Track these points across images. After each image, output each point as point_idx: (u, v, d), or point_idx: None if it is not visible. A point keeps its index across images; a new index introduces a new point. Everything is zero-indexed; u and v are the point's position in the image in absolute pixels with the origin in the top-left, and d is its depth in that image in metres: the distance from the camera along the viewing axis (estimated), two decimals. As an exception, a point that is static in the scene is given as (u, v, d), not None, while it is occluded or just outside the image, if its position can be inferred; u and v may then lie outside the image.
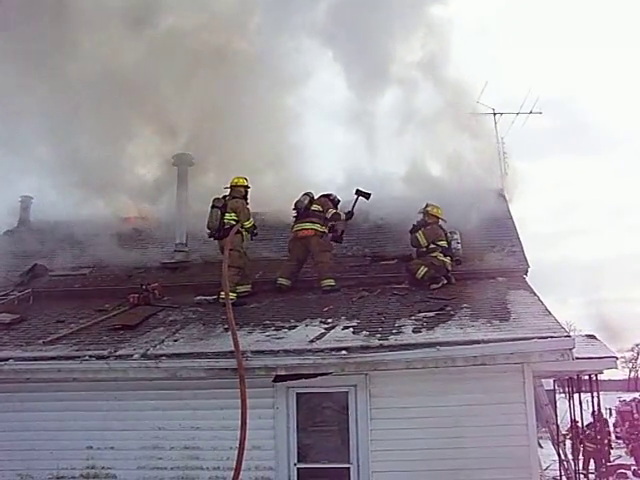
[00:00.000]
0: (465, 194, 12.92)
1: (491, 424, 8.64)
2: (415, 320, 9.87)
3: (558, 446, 15.17)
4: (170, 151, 14.56)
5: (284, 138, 15.19)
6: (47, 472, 9.60)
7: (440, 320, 9.74)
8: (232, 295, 10.80)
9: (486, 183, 13.97)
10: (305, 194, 12.53)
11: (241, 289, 11.68)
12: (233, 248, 11.40)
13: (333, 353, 8.87)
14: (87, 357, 9.51)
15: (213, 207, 12.07)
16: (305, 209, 12.33)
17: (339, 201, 12.63)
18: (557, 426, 14.94)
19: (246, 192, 12.29)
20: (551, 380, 19.99)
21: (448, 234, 11.96)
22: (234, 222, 11.82)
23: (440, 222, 11.97)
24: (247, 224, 11.94)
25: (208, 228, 12.09)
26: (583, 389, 15.46)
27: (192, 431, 9.32)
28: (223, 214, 11.92)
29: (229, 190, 12.18)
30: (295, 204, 12.47)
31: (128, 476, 9.38)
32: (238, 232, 11.78)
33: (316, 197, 12.50)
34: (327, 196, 12.57)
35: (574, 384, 16.24)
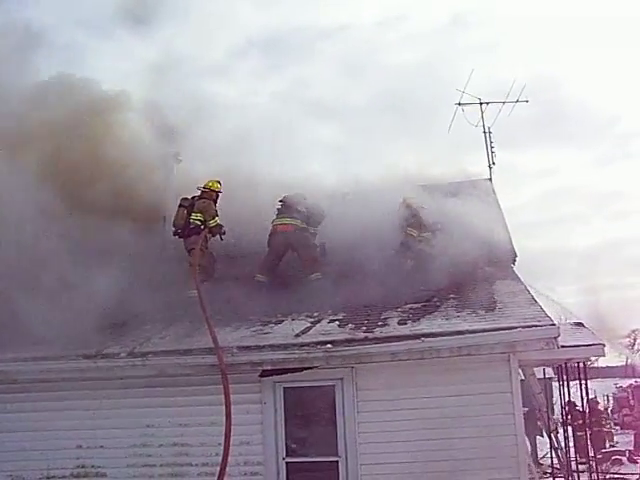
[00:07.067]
0: (452, 185, 12.90)
1: (478, 414, 8.65)
2: (401, 312, 9.89)
3: (550, 435, 15.18)
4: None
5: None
6: (38, 472, 9.63)
7: (426, 311, 9.77)
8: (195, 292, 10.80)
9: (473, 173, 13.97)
10: (297, 194, 12.61)
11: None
12: (197, 247, 11.55)
13: (318, 347, 8.92)
14: (74, 356, 9.53)
15: (180, 206, 12.24)
16: (289, 205, 12.36)
17: (324, 217, 12.66)
18: (548, 414, 14.95)
19: (217, 196, 12.43)
20: (550, 368, 20.00)
21: (431, 224, 11.95)
22: (199, 222, 11.94)
23: (422, 210, 12.00)
24: (212, 223, 12.04)
25: (174, 226, 12.24)
26: (581, 376, 15.33)
27: (180, 428, 9.34)
28: (189, 213, 12.05)
29: (200, 192, 12.25)
30: (282, 198, 12.52)
31: (118, 474, 9.42)
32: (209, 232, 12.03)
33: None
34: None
35: (571, 372, 16.22)
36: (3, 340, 9.87)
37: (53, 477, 9.59)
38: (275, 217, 12.40)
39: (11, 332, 9.81)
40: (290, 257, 12.35)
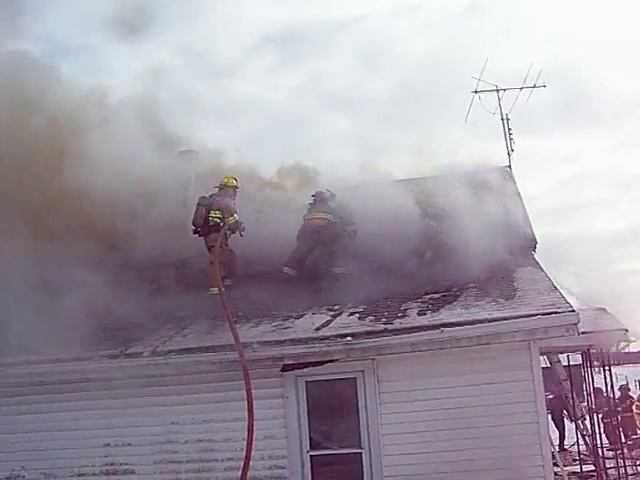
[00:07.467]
0: (470, 174, 12.85)
1: (500, 403, 8.65)
2: (421, 302, 9.91)
3: (576, 421, 15.09)
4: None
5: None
6: (69, 470, 9.85)
7: (446, 301, 9.77)
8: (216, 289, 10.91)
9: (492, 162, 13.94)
10: (327, 190, 12.74)
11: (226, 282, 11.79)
12: (218, 244, 11.58)
13: (338, 340, 8.95)
14: (98, 357, 9.68)
15: (199, 205, 12.29)
16: (322, 200, 12.47)
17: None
18: (574, 401, 14.85)
19: (235, 192, 12.50)
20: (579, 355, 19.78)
21: (449, 213, 11.93)
22: (218, 219, 12.00)
23: (439, 200, 12.03)
24: (231, 220, 12.07)
25: (193, 224, 12.32)
26: (605, 362, 15.22)
27: (205, 424, 9.46)
28: (208, 211, 12.11)
29: (218, 189, 12.33)
30: (315, 193, 12.65)
31: (146, 471, 9.58)
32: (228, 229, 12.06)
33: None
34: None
35: (598, 358, 16.05)
36: (29, 343, 10.04)
37: (84, 475, 9.79)
38: (307, 212, 12.50)
39: (36, 334, 9.98)
40: (319, 251, 12.43)
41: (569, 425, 18.11)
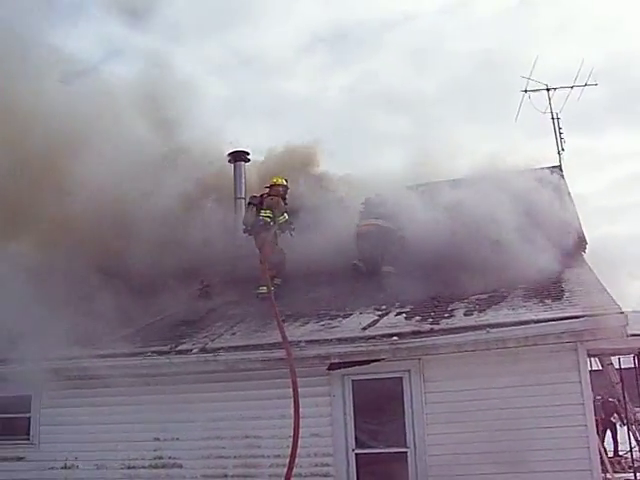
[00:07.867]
0: (520, 173, 12.73)
1: (546, 404, 8.55)
2: (467, 303, 9.87)
3: (629, 427, 14.77)
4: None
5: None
6: (119, 462, 10.15)
7: (492, 302, 9.71)
8: (264, 289, 11.14)
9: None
10: (377, 195, 12.82)
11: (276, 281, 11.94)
12: (266, 244, 11.76)
13: (385, 339, 9.01)
14: (149, 353, 9.93)
15: (249, 204, 12.43)
16: (373, 206, 12.61)
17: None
18: (626, 406, 14.54)
19: (285, 192, 12.61)
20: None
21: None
22: (268, 219, 12.09)
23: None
24: (281, 219, 12.21)
25: (244, 224, 12.48)
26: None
27: (252, 421, 9.61)
28: (259, 210, 12.23)
29: (268, 189, 12.46)
30: (365, 200, 12.79)
31: (194, 465, 9.80)
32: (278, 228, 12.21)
33: None
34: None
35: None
36: (83, 338, 10.34)
37: (133, 467, 10.06)
38: (359, 219, 12.60)
39: (90, 332, 10.27)
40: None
41: (622, 431, 17.73)
